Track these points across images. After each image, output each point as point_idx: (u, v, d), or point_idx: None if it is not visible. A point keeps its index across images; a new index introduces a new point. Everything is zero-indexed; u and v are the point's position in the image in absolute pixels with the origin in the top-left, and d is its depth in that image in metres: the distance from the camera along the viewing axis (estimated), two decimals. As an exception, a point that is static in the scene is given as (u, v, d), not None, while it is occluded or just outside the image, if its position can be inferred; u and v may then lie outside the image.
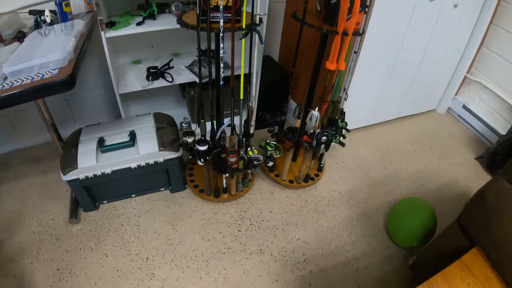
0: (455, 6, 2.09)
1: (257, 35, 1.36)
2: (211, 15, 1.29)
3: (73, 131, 1.81)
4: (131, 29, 1.72)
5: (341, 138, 1.76)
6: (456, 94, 2.72)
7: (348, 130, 1.78)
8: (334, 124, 1.68)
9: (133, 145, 1.68)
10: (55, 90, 1.13)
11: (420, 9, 1.94)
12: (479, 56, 2.48)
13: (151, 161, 1.69)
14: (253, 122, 1.59)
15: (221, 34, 1.29)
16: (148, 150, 1.67)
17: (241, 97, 1.45)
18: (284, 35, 2.49)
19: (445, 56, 2.39)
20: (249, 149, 1.60)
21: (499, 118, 2.43)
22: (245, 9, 1.28)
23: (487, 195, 1.15)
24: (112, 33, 1.68)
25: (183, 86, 2.25)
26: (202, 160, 1.58)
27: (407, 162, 2.28)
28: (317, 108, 1.58)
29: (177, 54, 2.22)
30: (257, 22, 1.37)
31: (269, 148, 1.61)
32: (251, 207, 1.87)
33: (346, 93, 1.71)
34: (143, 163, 1.68)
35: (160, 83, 1.95)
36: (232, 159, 1.52)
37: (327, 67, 1.45)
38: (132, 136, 1.70)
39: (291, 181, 1.95)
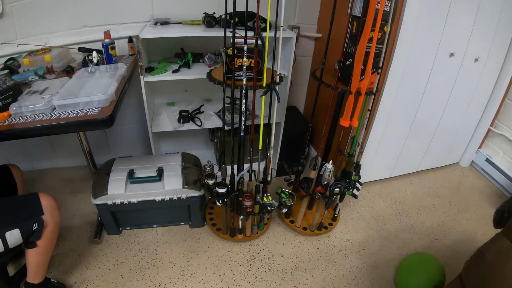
0: (476, 60, 2.14)
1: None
2: (236, 73, 1.44)
3: (107, 160, 1.98)
4: (167, 76, 1.91)
5: (355, 191, 1.83)
6: (479, 147, 2.71)
7: (360, 183, 1.85)
8: (348, 177, 1.75)
9: (159, 180, 1.81)
10: (96, 126, 1.32)
11: (439, 64, 2.02)
12: (503, 109, 2.49)
13: (175, 197, 1.82)
14: (271, 170, 1.70)
15: (243, 92, 1.43)
16: (172, 187, 1.81)
17: (260, 147, 1.57)
18: (309, 88, 2.63)
19: (467, 109, 2.42)
20: (265, 195, 1.70)
21: (524, 171, 2.39)
22: (265, 70, 1.42)
23: (487, 253, 1.16)
24: (150, 78, 1.88)
25: (211, 130, 2.39)
26: (220, 201, 1.69)
27: (424, 216, 2.28)
28: (331, 161, 1.67)
29: (208, 100, 2.41)
30: (277, 81, 1.51)
31: (284, 196, 1.71)
32: (263, 249, 1.94)
33: (362, 148, 1.79)
34: (167, 198, 1.81)
35: (190, 126, 2.11)
36: (247, 203, 1.62)
37: (341, 123, 1.55)
38: (160, 172, 1.83)
39: (304, 228, 2.01)
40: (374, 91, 1.56)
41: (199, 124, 2.11)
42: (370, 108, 1.66)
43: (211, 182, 1.69)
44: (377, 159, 2.31)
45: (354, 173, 1.78)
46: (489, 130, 2.61)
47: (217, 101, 2.38)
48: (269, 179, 1.73)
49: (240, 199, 1.70)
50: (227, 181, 1.72)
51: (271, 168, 1.69)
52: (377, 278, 1.82)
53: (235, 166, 1.72)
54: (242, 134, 1.55)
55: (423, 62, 1.97)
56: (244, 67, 1.40)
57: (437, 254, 1.98)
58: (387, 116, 2.02)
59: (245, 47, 1.35)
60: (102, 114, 1.30)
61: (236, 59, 1.42)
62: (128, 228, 1.98)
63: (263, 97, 1.49)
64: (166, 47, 2.11)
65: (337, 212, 2.04)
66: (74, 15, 1.93)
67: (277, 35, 1.41)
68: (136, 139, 2.50)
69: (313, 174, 1.77)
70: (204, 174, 1.70)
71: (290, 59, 1.89)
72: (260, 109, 1.56)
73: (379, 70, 1.53)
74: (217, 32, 1.75)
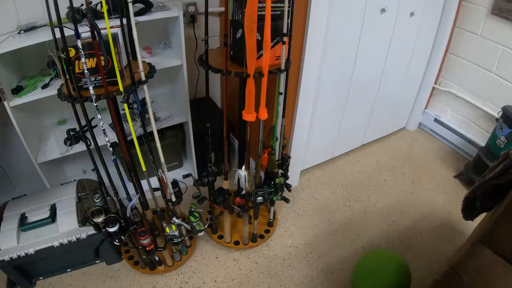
0: (412, 14, 1.86)
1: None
2: (81, 81, 1.01)
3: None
4: (37, 94, 1.45)
5: (286, 192, 1.48)
6: (426, 108, 2.50)
7: (288, 186, 1.49)
8: (273, 179, 1.40)
9: (52, 221, 1.51)
10: None
11: (370, 23, 1.71)
12: (446, 64, 2.30)
13: (73, 239, 1.50)
14: (169, 191, 1.31)
15: (94, 104, 1.01)
16: (67, 227, 1.49)
17: (143, 168, 1.17)
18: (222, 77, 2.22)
19: (408, 69, 2.16)
20: (172, 221, 1.32)
21: (476, 127, 2.23)
22: (117, 68, 1.00)
23: (463, 275, 0.86)
24: (17, 101, 1.41)
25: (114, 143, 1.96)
26: (117, 241, 1.29)
27: (376, 196, 2.01)
28: (243, 167, 1.30)
29: (105, 109, 1.94)
30: (144, 79, 1.09)
31: (193, 219, 1.33)
32: (193, 277, 1.58)
33: (286, 139, 1.43)
34: (64, 241, 1.50)
35: (80, 147, 1.66)
36: (144, 241, 1.23)
37: (244, 118, 1.18)
38: (52, 211, 1.53)
39: (237, 243, 1.66)
40: (282, 67, 1.18)
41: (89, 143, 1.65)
42: (282, 91, 1.28)
43: (99, 219, 1.28)
44: (313, 142, 1.99)
45: (280, 171, 1.43)
46: (433, 88, 2.40)
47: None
48: (173, 199, 1.34)
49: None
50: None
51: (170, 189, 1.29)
52: (333, 285, 1.53)
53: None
54: (113, 158, 1.14)
55: (350, 22, 1.65)
56: (86, 71, 0.97)
57: (397, 239, 1.73)
58: (312, 93, 1.68)
59: (79, 43, 0.92)
60: None
61: (76, 62, 0.99)
62: (42, 278, 1.67)
63: (125, 105, 1.07)
64: (39, 58, 1.61)
65: (272, 217, 1.70)
66: None
67: (134, 18, 0.99)
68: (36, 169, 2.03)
69: (226, 185, 1.39)
70: (92, 210, 1.29)
71: (180, 44, 1.47)
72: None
73: (285, 39, 1.14)
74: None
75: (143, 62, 1.15)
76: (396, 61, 2.02)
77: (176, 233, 1.27)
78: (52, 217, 1.50)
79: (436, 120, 2.44)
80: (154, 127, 1.17)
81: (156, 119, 1.74)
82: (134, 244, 1.32)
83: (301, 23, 1.41)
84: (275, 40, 1.15)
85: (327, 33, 1.51)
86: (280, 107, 1.32)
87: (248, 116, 1.16)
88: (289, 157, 1.55)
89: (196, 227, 1.34)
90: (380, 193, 2.03)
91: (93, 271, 1.65)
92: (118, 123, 1.14)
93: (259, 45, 1.08)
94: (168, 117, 1.74)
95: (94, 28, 0.90)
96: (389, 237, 1.76)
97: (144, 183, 1.28)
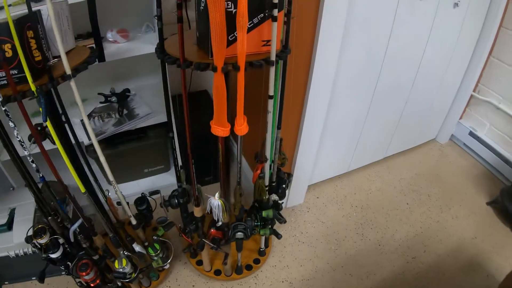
0: (456, 5, 1.50)
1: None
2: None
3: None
4: None
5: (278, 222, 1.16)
6: (460, 118, 2.12)
7: (281, 220, 1.15)
8: (263, 208, 1.08)
9: (8, 229, 1.33)
10: None
11: (405, 11, 1.35)
12: (488, 69, 1.93)
13: (29, 251, 1.31)
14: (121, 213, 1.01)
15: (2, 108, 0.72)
16: (22, 238, 1.22)
17: (82, 189, 0.87)
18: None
19: (444, 72, 1.80)
20: (122, 253, 1.02)
21: (516, 146, 1.87)
22: (23, 59, 0.69)
23: None
24: None
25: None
26: (63, 267, 1.02)
27: (396, 223, 1.67)
28: (217, 194, 0.99)
29: (84, 99, 1.67)
30: (68, 72, 0.78)
31: (152, 252, 1.03)
32: (163, 310, 1.30)
33: (283, 155, 1.11)
34: (20, 252, 1.32)
35: (46, 145, 1.40)
36: (86, 277, 0.94)
37: (213, 132, 0.85)
38: (11, 216, 1.36)
39: (218, 272, 1.36)
40: (272, 57, 0.83)
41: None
42: (272, 93, 0.91)
43: (42, 241, 1.00)
44: (324, 154, 1.65)
45: (270, 199, 1.11)
46: (471, 96, 2.02)
47: (94, 101, 1.61)
48: (134, 222, 1.04)
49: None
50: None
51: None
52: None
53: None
54: (40, 175, 0.85)
55: (380, 7, 1.29)
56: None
57: (415, 281, 1.41)
58: (327, 96, 1.34)
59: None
60: None
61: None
62: (7, 283, 1.52)
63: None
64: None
65: (263, 246, 1.38)
66: None
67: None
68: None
69: (197, 212, 1.08)
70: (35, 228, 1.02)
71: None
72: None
73: (276, 13, 0.76)
74: None
75: (84, 46, 0.85)
76: (433, 61, 1.66)
77: (127, 269, 0.97)
78: (9, 224, 1.33)
79: (471, 134, 2.07)
80: (93, 139, 0.87)
81: (134, 116, 1.47)
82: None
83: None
84: (260, 15, 0.77)
85: (348, 17, 1.16)
86: (270, 117, 0.96)
87: (219, 129, 0.83)
88: (290, 176, 1.22)
89: (153, 264, 1.04)
90: (401, 219, 1.69)
91: (58, 281, 1.42)
92: (35, 134, 0.84)
93: (232, 21, 0.71)
94: (147, 115, 1.45)
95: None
96: (405, 278, 1.43)
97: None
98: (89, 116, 1.50)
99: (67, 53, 0.84)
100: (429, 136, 2.17)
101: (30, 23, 0.74)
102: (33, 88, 0.71)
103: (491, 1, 1.62)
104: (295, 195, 1.70)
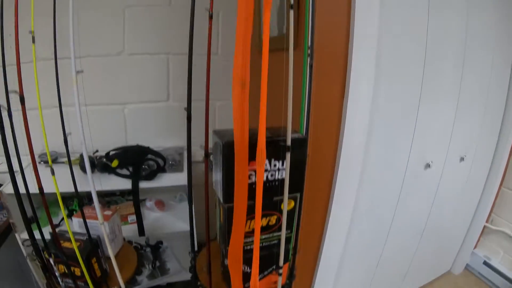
0: (462, 159, 1.56)
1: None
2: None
3: None
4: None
5: None
6: (474, 248, 2.07)
7: None
8: None
9: None
10: None
11: (410, 186, 1.39)
12: (500, 200, 1.94)
13: None
14: None
15: None
16: None
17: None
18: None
19: (457, 210, 1.81)
20: None
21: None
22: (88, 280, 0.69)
23: None
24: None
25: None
26: None
27: None
28: None
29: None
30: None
31: None
32: None
33: None
34: None
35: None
36: None
37: None
38: None
39: None
40: None
41: None
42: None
43: None
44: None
45: None
46: (484, 227, 2.00)
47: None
48: None
49: None
50: None
51: None
52: None
53: None
54: None
55: (386, 195, 1.35)
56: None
57: None
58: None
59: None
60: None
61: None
62: None
63: None
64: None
65: None
66: None
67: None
68: None
69: None
70: None
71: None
72: None
73: (281, 271, 0.78)
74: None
75: (129, 245, 0.92)
76: (443, 206, 1.67)
77: None
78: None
79: (485, 263, 2.01)
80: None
81: (165, 271, 1.49)
82: None
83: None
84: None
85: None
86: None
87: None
88: None
89: None
90: None
91: None
92: None
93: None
94: (177, 273, 1.46)
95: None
96: None
97: None
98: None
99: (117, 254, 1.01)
100: (443, 269, 2.09)
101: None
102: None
103: (498, 140, 1.72)
104: None
